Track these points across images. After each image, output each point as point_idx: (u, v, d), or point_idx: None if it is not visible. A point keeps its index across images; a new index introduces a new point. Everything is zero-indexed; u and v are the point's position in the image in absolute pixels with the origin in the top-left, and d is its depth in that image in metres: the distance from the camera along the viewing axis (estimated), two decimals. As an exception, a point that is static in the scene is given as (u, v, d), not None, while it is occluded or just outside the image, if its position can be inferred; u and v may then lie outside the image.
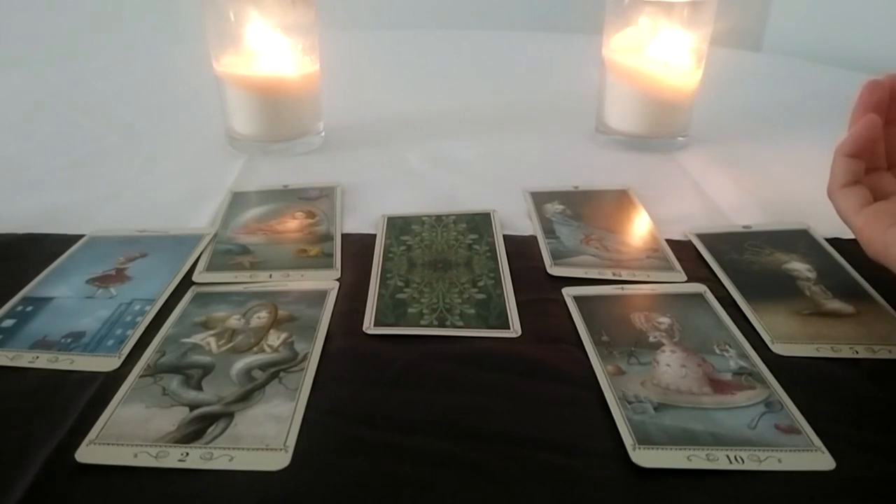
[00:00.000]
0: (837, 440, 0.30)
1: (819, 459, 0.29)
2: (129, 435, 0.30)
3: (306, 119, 0.63)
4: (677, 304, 0.40)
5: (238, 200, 0.53)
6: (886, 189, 0.38)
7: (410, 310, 0.39)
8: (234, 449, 0.29)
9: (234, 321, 0.38)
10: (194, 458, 0.29)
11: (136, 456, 0.29)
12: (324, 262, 0.44)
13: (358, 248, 0.46)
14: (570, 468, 0.28)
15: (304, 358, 0.35)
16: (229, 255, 0.45)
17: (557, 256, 0.45)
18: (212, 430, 0.30)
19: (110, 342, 0.36)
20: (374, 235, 0.47)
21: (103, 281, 0.42)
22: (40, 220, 0.48)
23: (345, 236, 0.48)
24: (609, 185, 0.55)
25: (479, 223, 0.49)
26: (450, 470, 0.28)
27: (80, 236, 0.47)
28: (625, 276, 0.43)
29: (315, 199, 0.53)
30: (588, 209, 0.51)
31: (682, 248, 0.46)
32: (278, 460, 0.28)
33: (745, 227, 0.49)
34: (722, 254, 0.45)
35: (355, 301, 0.40)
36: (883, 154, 0.39)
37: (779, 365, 0.35)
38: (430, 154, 0.62)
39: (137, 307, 0.39)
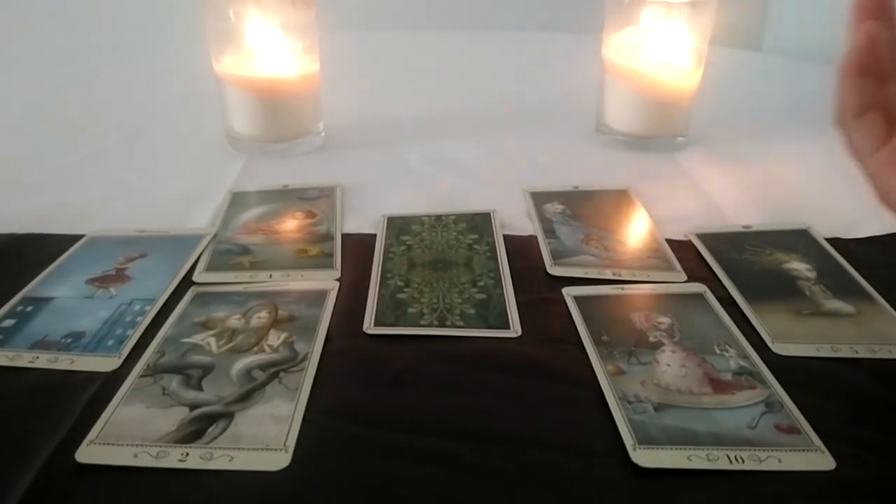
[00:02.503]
0: (837, 440, 0.30)
1: (819, 459, 0.29)
2: (129, 435, 0.30)
3: (306, 119, 0.63)
4: (677, 304, 0.40)
5: (238, 200, 0.53)
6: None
7: (410, 310, 0.39)
8: (234, 449, 0.29)
9: (234, 321, 0.38)
10: (194, 458, 0.29)
11: (136, 456, 0.29)
12: (324, 262, 0.44)
13: (358, 248, 0.46)
14: (570, 468, 0.28)
15: (304, 358, 0.35)
16: (229, 255, 0.45)
17: (557, 256, 0.45)
18: (212, 431, 0.30)
19: (110, 342, 0.36)
20: (375, 235, 0.47)
21: (103, 281, 0.42)
22: (40, 220, 0.48)
23: (345, 236, 0.48)
24: (609, 185, 0.55)
25: (479, 223, 0.49)
26: (450, 470, 0.28)
27: (80, 236, 0.47)
28: (625, 275, 0.43)
29: (315, 199, 0.53)
30: (588, 209, 0.51)
31: (682, 248, 0.46)
32: (278, 460, 0.28)
33: (745, 226, 0.49)
34: (722, 254, 0.45)
35: (355, 301, 0.40)
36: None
37: (779, 365, 0.35)
38: (430, 154, 0.62)
39: (137, 307, 0.39)
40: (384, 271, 0.43)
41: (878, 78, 0.32)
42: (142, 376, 0.34)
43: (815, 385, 0.33)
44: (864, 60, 0.31)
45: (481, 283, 0.42)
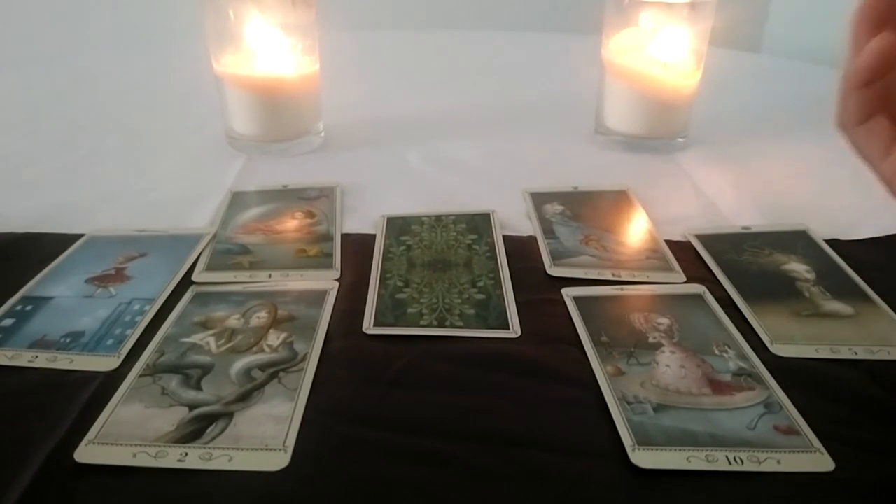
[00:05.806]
0: (836, 441, 0.30)
1: (818, 460, 0.29)
2: (128, 435, 0.30)
3: (306, 119, 0.63)
4: (676, 305, 0.40)
5: (238, 200, 0.53)
6: None
7: (410, 310, 0.39)
8: (233, 449, 0.29)
9: (234, 321, 0.38)
10: (193, 458, 0.29)
11: (135, 456, 0.29)
12: (323, 262, 0.44)
13: (357, 248, 0.46)
14: (569, 469, 0.28)
15: (304, 358, 0.35)
16: (229, 254, 0.45)
17: (557, 257, 0.45)
18: (211, 430, 0.30)
19: (109, 342, 0.36)
20: (374, 235, 0.47)
21: (103, 280, 0.42)
22: (40, 220, 0.48)
23: (344, 236, 0.48)
24: (608, 186, 0.55)
25: (479, 223, 0.49)
26: (450, 470, 0.28)
27: (80, 236, 0.47)
28: (624, 276, 0.43)
29: (315, 199, 0.53)
30: (587, 210, 0.51)
31: (682, 249, 0.46)
32: (277, 460, 0.28)
33: (744, 227, 0.49)
34: (721, 254, 0.45)
35: (355, 301, 0.40)
36: None
37: (778, 366, 0.35)
38: (429, 154, 0.62)
39: (137, 307, 0.39)
40: (384, 271, 0.43)
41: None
42: (141, 376, 0.34)
43: (814, 386, 0.33)
44: (871, 74, 0.31)
45: (481, 284, 0.42)
